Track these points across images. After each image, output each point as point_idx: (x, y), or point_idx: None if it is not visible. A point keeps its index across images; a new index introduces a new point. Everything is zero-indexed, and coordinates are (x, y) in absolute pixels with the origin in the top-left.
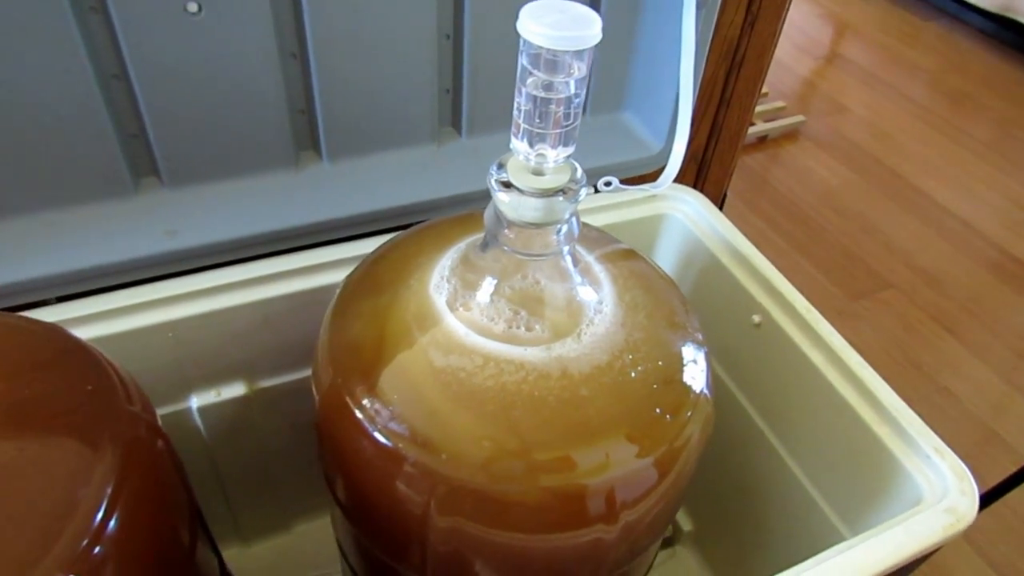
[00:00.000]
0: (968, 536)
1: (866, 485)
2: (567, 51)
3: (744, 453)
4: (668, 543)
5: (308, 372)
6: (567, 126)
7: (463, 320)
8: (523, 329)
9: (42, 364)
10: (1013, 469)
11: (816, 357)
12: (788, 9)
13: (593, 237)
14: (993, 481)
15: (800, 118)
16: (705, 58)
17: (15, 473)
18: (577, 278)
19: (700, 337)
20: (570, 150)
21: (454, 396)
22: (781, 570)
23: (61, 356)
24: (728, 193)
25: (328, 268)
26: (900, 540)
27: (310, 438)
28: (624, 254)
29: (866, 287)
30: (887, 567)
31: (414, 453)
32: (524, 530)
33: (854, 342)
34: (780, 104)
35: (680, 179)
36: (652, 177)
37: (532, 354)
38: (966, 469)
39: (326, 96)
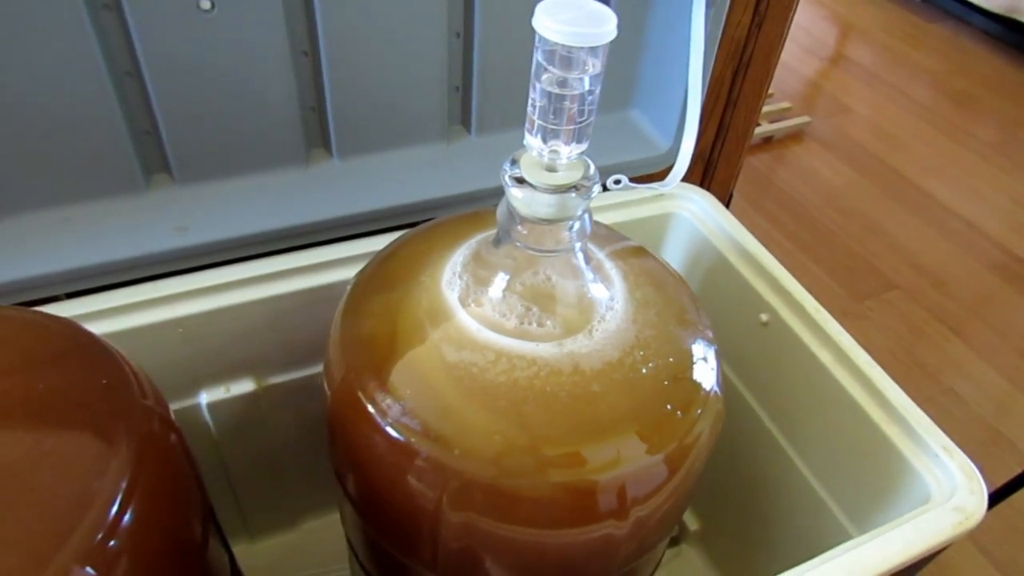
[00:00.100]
0: (973, 536)
1: (874, 484)
2: (582, 48)
3: (751, 452)
4: (674, 542)
5: (317, 369)
6: (581, 123)
7: (475, 316)
8: (535, 325)
9: (57, 358)
10: (1018, 470)
11: (824, 356)
12: (795, 10)
13: (603, 234)
14: (998, 482)
15: (805, 119)
16: (714, 57)
17: (32, 466)
18: (589, 275)
19: (710, 335)
20: (583, 147)
21: (466, 391)
22: (788, 569)
23: (76, 350)
24: (734, 193)
25: (337, 265)
26: (909, 538)
27: (318, 435)
28: (634, 251)
29: (871, 288)
30: (896, 565)
31: (426, 448)
32: (536, 525)
33: (859, 343)
34: (785, 105)
35: (686, 179)
36: (659, 176)
37: (544, 350)
38: (974, 468)
39: (337, 94)
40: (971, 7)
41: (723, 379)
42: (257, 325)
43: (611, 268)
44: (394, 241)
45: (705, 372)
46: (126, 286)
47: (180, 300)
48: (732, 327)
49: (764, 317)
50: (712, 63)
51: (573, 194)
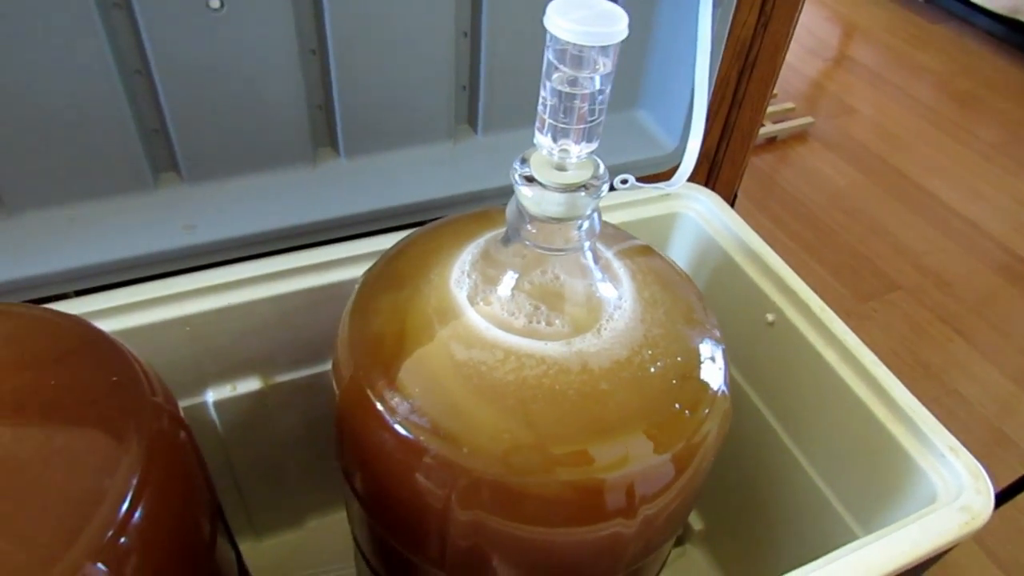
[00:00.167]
0: (977, 537)
1: (880, 484)
2: (593, 47)
3: (756, 451)
4: (679, 542)
5: (324, 367)
6: (591, 122)
7: (484, 314)
8: (543, 324)
9: (68, 355)
10: (1023, 470)
11: (830, 356)
12: (801, 10)
13: (610, 233)
14: (1003, 483)
15: (809, 119)
16: (720, 58)
17: (43, 462)
18: (597, 274)
19: (718, 334)
20: (593, 146)
21: (475, 389)
22: (793, 569)
23: (86, 347)
24: (738, 194)
25: (344, 264)
26: (915, 538)
27: (324, 433)
28: (642, 250)
29: (874, 288)
30: (902, 565)
31: (435, 446)
32: (544, 523)
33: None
34: (789, 105)
35: (691, 179)
36: (665, 176)
37: (552, 348)
38: (981, 468)
39: (344, 92)
40: (975, 8)
41: (729, 379)
42: (264, 323)
43: (619, 267)
44: (402, 240)
45: (713, 371)
46: (134, 284)
47: (188, 298)
48: (738, 327)
49: (770, 317)
50: (719, 63)
51: (583, 193)
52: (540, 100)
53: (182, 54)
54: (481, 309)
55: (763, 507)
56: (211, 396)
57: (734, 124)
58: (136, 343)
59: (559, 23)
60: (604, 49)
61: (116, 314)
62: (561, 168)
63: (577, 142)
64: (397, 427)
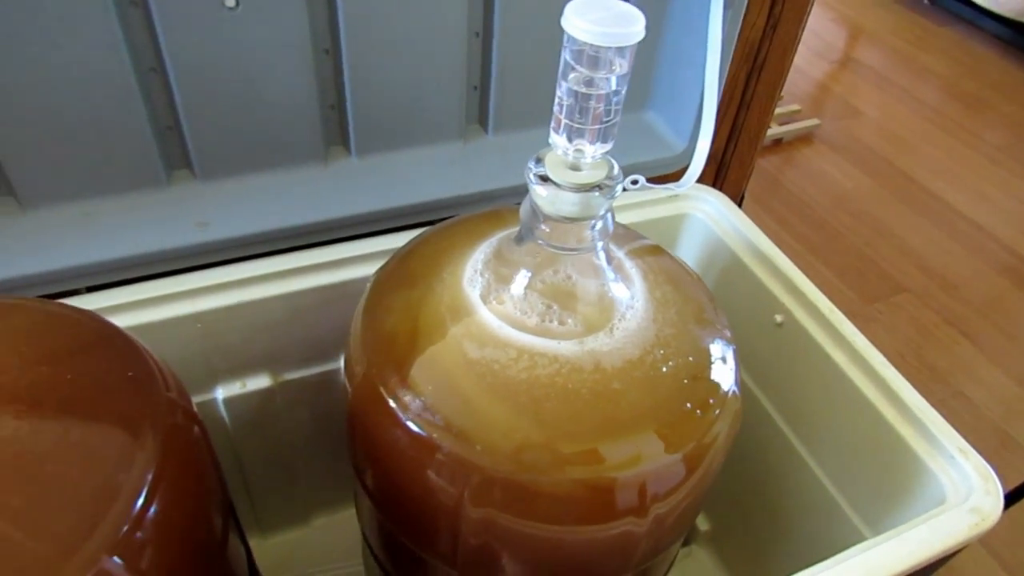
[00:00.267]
0: (983, 539)
1: (888, 485)
2: (610, 47)
3: (764, 452)
4: (685, 542)
5: (333, 365)
6: (607, 122)
7: (497, 313)
8: (556, 323)
9: (83, 349)
10: None
11: (839, 357)
12: (809, 12)
13: (621, 233)
14: (1010, 485)
15: (815, 121)
16: (730, 59)
17: (60, 455)
18: (610, 273)
19: (728, 334)
20: (608, 146)
21: (488, 388)
22: (800, 570)
23: (101, 342)
24: (745, 195)
25: (355, 262)
26: (924, 539)
27: (332, 431)
28: (652, 250)
29: (880, 291)
30: (911, 566)
31: (448, 443)
32: (556, 522)
33: None
34: (795, 107)
35: (699, 180)
36: (673, 177)
37: (565, 347)
38: (990, 469)
39: (357, 92)
40: (981, 11)
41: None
42: (274, 321)
43: (631, 267)
44: (414, 239)
45: (724, 371)
46: (146, 280)
47: (199, 295)
48: (746, 328)
49: (778, 318)
50: (728, 65)
51: (597, 193)
52: (556, 100)
53: (197, 52)
54: (494, 308)
55: (770, 508)
56: (221, 393)
57: (742, 125)
58: (148, 339)
59: (577, 23)
60: (621, 50)
61: (128, 310)
62: (576, 168)
63: (592, 142)
64: (410, 424)
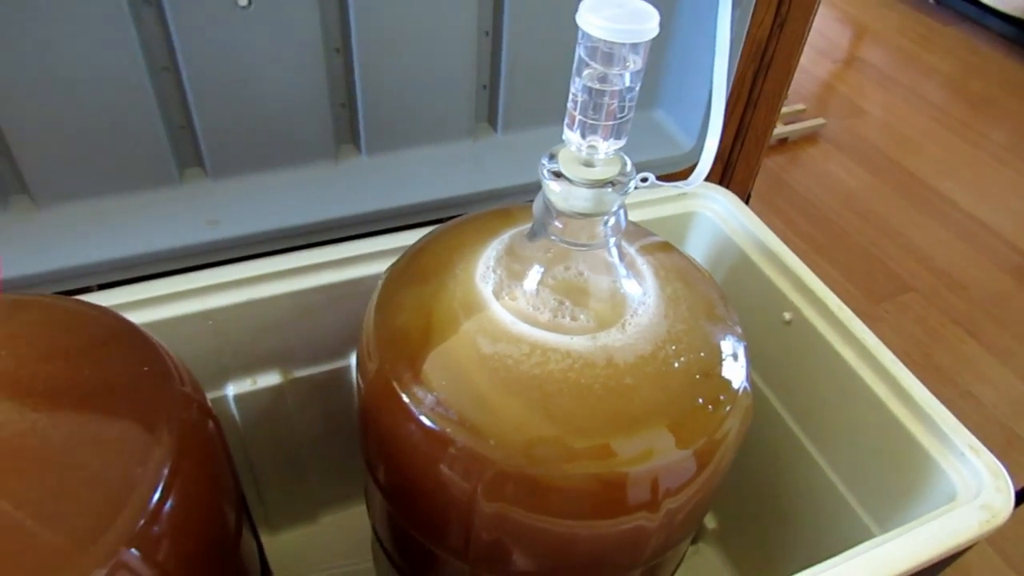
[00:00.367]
0: (991, 539)
1: (898, 482)
2: (624, 44)
3: (772, 450)
4: (692, 540)
5: (343, 363)
6: (620, 119)
7: (509, 309)
8: (568, 319)
9: (100, 344)
10: None
11: (848, 354)
12: (816, 11)
13: (632, 230)
14: (1017, 484)
15: (820, 121)
16: (738, 57)
17: (78, 448)
18: (621, 269)
19: (739, 331)
20: (621, 143)
21: (502, 383)
22: (807, 568)
23: (117, 338)
24: (751, 194)
25: (365, 260)
26: (935, 536)
27: (342, 429)
28: (663, 247)
29: (886, 290)
30: (922, 562)
31: (462, 438)
32: (569, 516)
33: None
34: (800, 107)
35: (706, 179)
36: (681, 175)
37: (578, 343)
38: (1001, 466)
39: (367, 90)
40: (986, 9)
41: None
42: (285, 318)
43: (642, 263)
44: (425, 236)
45: (735, 368)
46: (157, 278)
47: (210, 292)
48: (755, 326)
49: (787, 316)
50: (736, 63)
51: (610, 189)
52: (570, 96)
53: (209, 51)
54: (507, 303)
55: (778, 506)
56: (231, 390)
57: (749, 124)
58: (159, 336)
59: (591, 20)
60: (635, 46)
61: (139, 307)
62: (589, 164)
63: (605, 138)
64: (424, 419)
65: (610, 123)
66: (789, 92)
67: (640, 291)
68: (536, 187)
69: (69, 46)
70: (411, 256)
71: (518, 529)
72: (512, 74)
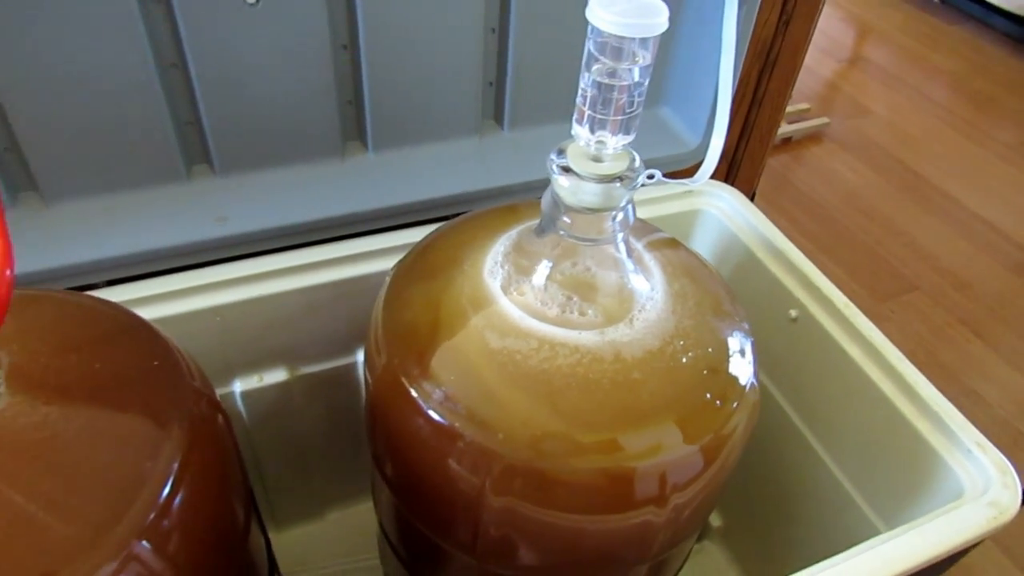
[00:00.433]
0: (996, 537)
1: (904, 480)
2: (633, 39)
3: (777, 447)
4: (697, 538)
5: (349, 360)
6: (629, 113)
7: (518, 304)
8: (576, 314)
9: (110, 339)
10: None
11: (854, 351)
12: (821, 10)
13: (639, 227)
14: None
15: (824, 120)
16: (744, 55)
17: (88, 441)
18: (629, 265)
19: (747, 327)
20: (630, 138)
21: (510, 377)
22: (812, 565)
23: (127, 332)
24: (756, 193)
25: (372, 257)
26: (942, 533)
27: (348, 425)
28: (670, 243)
29: (891, 289)
30: (928, 559)
31: (470, 432)
32: (577, 511)
33: None
34: (804, 106)
35: (710, 178)
36: (686, 173)
37: (586, 338)
38: (1008, 463)
39: (374, 87)
40: (991, 8)
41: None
42: (292, 315)
43: (649, 259)
44: (432, 233)
45: (743, 363)
46: (165, 274)
47: (218, 289)
48: (761, 323)
49: (793, 313)
50: (743, 61)
51: (618, 184)
52: (579, 91)
53: (217, 48)
54: (515, 299)
55: (783, 503)
56: (238, 386)
57: (754, 123)
58: (167, 332)
59: (601, 15)
60: (644, 42)
61: (147, 304)
62: (597, 159)
63: (614, 133)
64: (432, 413)
65: (619, 118)
66: (793, 91)
67: (648, 287)
68: (542, 185)
69: (78, 43)
70: (419, 252)
71: (526, 523)
72: (518, 72)
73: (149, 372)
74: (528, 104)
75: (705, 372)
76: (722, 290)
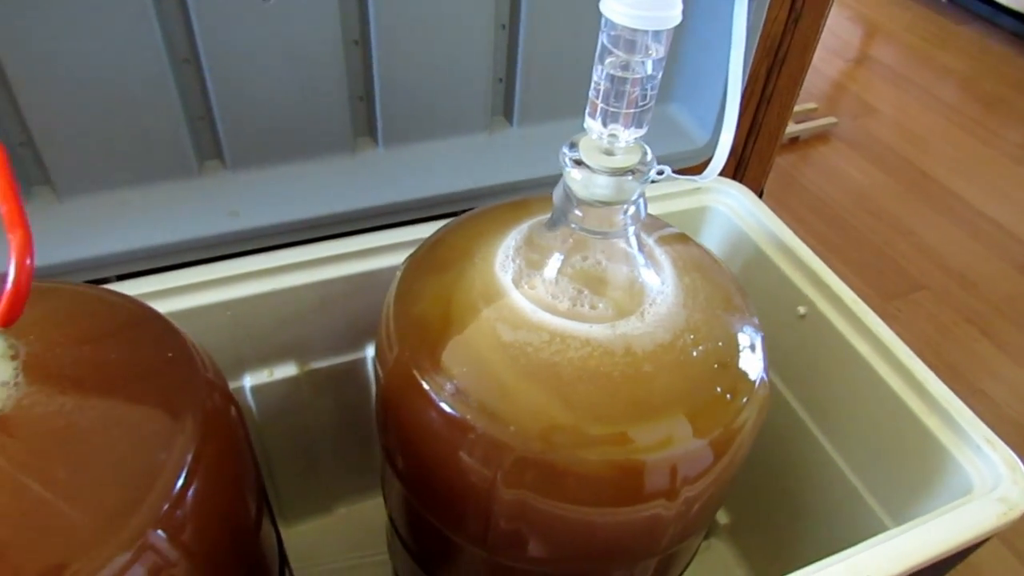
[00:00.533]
0: (1003, 536)
1: (913, 476)
2: (646, 31)
3: (785, 444)
4: (704, 536)
5: (359, 355)
6: (642, 107)
7: (529, 297)
8: (587, 307)
9: (124, 331)
10: None
11: (863, 348)
12: (831, 7)
13: (649, 222)
14: None
15: (832, 119)
16: (754, 52)
17: (103, 431)
18: (640, 259)
19: (757, 322)
20: (642, 131)
21: (522, 370)
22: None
23: (142, 325)
24: (764, 191)
25: (382, 252)
26: (952, 528)
27: (357, 421)
28: (680, 238)
29: (898, 288)
30: (938, 554)
31: (482, 424)
32: (588, 503)
33: None
34: (811, 105)
35: (719, 175)
36: (695, 170)
37: (597, 331)
38: (1018, 460)
39: (385, 83)
40: (1000, 8)
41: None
42: (303, 309)
43: (660, 254)
44: (442, 227)
45: (753, 358)
46: (177, 269)
47: (229, 283)
48: (769, 319)
49: (801, 310)
50: (752, 57)
51: (630, 177)
52: (592, 84)
53: (230, 43)
54: (526, 292)
55: (791, 501)
56: (249, 381)
57: (762, 121)
58: (178, 326)
59: (614, 7)
60: (657, 34)
61: (158, 298)
62: (609, 152)
63: (627, 127)
64: (444, 406)
65: (631, 111)
66: (801, 91)
67: (658, 280)
68: (551, 181)
69: (91, 39)
70: (430, 246)
71: (537, 516)
72: (528, 68)
73: (164, 364)
74: (537, 100)
75: (716, 366)
76: (732, 285)
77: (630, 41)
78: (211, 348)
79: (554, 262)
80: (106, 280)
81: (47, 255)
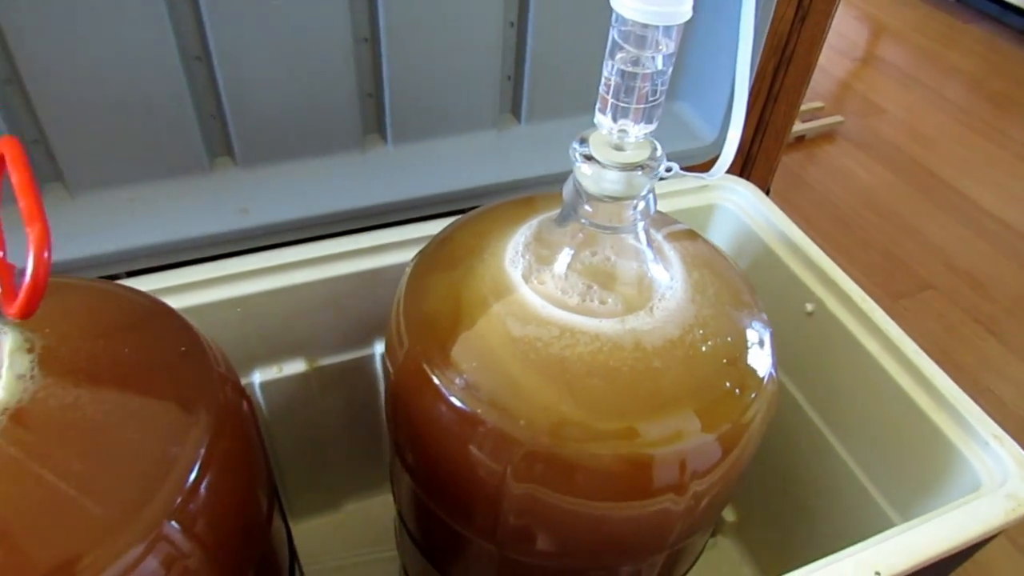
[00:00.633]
0: (1010, 535)
1: (921, 473)
2: (657, 27)
3: (792, 441)
4: (711, 533)
5: (367, 351)
6: (652, 102)
7: (538, 292)
8: (597, 302)
9: (138, 326)
10: None
11: (871, 345)
12: (838, 6)
13: (657, 219)
14: None
15: (838, 118)
16: (761, 50)
17: (118, 423)
18: (649, 254)
19: (765, 317)
20: (652, 127)
21: (532, 364)
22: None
23: (156, 319)
24: (770, 190)
25: (391, 249)
26: (960, 524)
27: (365, 417)
28: (689, 234)
29: (906, 287)
30: (946, 550)
31: (492, 419)
32: (597, 498)
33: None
34: (818, 104)
35: (726, 173)
36: (702, 168)
37: (606, 326)
38: None
39: (394, 81)
40: (1008, 7)
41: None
42: (312, 306)
43: (669, 249)
44: (451, 224)
45: (762, 354)
46: (187, 265)
47: (239, 280)
48: (776, 317)
49: (809, 307)
50: (759, 55)
51: (640, 173)
52: (602, 80)
53: (241, 41)
54: (536, 287)
55: (798, 498)
56: (258, 377)
57: (768, 119)
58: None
59: (625, 2)
60: (667, 30)
61: (169, 294)
62: (619, 148)
63: (637, 122)
64: (454, 401)
65: (641, 106)
66: (807, 90)
67: (667, 276)
68: (559, 178)
69: (103, 35)
70: (439, 242)
71: (546, 510)
72: (536, 65)
73: (177, 358)
74: (545, 98)
75: (725, 361)
76: (740, 281)
77: (641, 36)
78: (221, 344)
79: (563, 257)
80: (117, 276)
81: (59, 251)
